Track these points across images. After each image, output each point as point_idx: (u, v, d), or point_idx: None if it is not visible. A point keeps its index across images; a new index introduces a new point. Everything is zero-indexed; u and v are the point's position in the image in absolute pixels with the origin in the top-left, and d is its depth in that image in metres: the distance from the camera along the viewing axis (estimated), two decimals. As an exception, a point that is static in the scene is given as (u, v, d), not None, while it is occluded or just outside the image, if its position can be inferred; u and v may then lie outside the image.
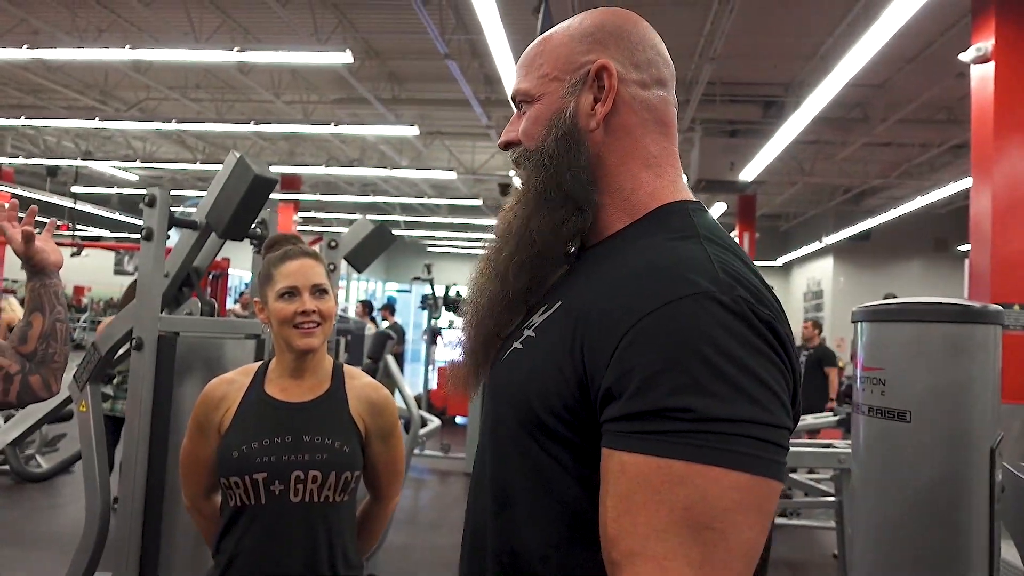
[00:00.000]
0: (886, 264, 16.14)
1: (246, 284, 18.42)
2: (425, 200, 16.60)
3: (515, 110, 0.90)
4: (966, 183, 9.56)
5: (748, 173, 10.04)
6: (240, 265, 15.51)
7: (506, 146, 0.90)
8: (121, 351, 2.35)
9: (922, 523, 1.48)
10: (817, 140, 10.51)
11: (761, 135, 9.44)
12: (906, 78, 8.36)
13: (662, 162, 0.84)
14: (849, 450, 2.87)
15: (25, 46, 7.44)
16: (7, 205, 1.51)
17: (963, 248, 14.41)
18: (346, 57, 6.85)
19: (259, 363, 1.59)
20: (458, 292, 8.69)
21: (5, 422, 5.38)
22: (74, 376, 2.39)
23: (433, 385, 9.02)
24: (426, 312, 8.67)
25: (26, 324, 1.48)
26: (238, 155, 2.15)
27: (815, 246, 16.38)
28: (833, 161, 11.83)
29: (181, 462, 1.58)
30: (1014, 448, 4.00)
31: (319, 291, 1.50)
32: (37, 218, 1.52)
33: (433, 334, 8.45)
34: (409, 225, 19.91)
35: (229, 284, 11.86)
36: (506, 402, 0.80)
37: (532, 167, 0.84)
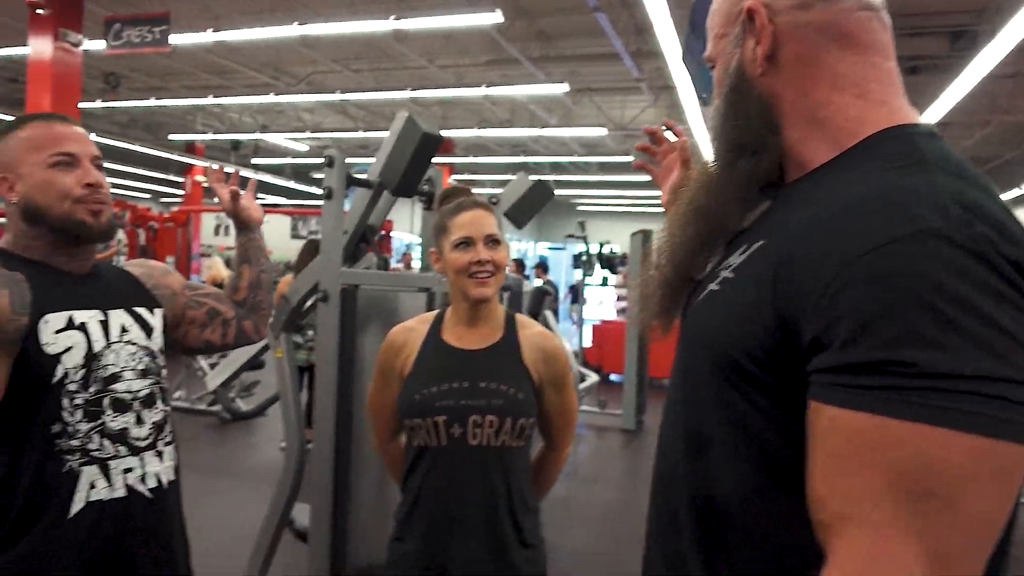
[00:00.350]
0: (1102, 212, 14.10)
1: (406, 245, 19.36)
2: (575, 158, 16.53)
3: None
4: None
5: (932, 114, 9.08)
6: (401, 227, 16.33)
7: None
8: (308, 303, 2.56)
9: None
10: (1017, 72, 9.27)
11: (946, 70, 8.46)
12: None
13: (860, 79, 0.75)
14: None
15: (210, 30, 8.14)
16: (202, 174, 1.69)
17: None
18: (496, 17, 6.90)
19: (436, 311, 1.66)
20: (612, 250, 8.63)
21: (211, 369, 6.08)
22: (270, 325, 2.64)
23: (587, 342, 9.09)
24: (579, 270, 8.69)
25: (237, 275, 1.65)
26: (406, 114, 2.24)
27: (1014, 193, 14.57)
28: (1037, 95, 10.40)
29: (368, 406, 1.69)
30: None
31: (492, 241, 1.54)
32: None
33: (578, 292, 8.50)
34: (559, 184, 19.96)
35: (391, 246, 12.52)
36: (701, 345, 0.79)
37: (715, 123, 0.86)
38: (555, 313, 7.16)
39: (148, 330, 1.39)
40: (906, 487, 0.57)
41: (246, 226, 1.67)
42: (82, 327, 1.27)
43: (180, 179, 18.77)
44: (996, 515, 0.58)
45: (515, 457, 1.52)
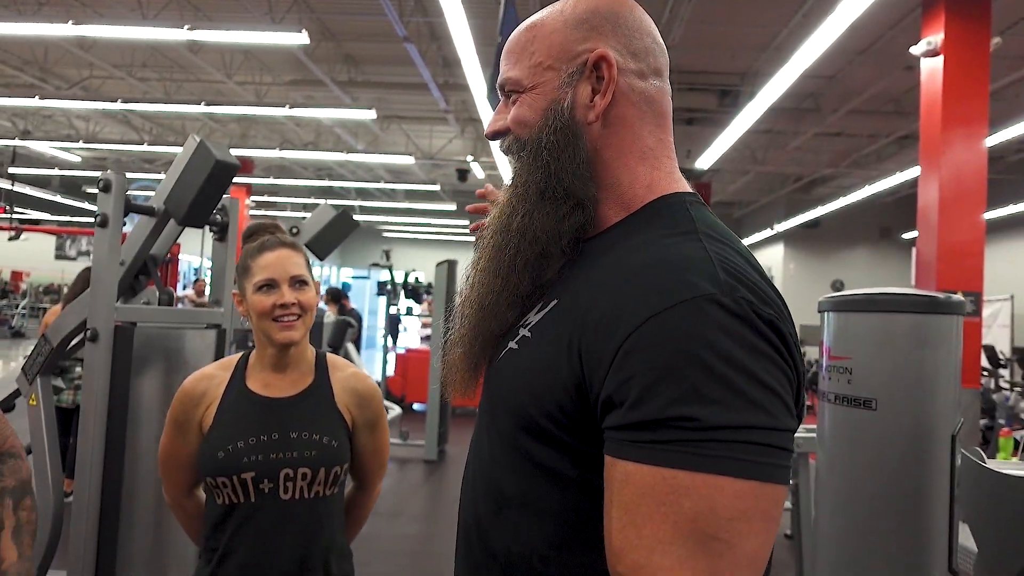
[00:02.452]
0: (834, 251, 16.62)
1: (195, 270, 17.93)
2: (382, 185, 16.39)
3: (501, 98, 0.86)
4: (911, 173, 9.87)
5: (704, 161, 10.20)
6: (190, 250, 15.11)
7: (494, 135, 0.86)
8: (74, 342, 2.26)
9: (885, 507, 1.52)
10: (770, 130, 10.72)
11: (717, 124, 9.58)
12: (857, 70, 8.56)
13: (658, 154, 0.81)
14: (806, 435, 2.95)
15: (-43, 19, 7.06)
16: None
17: (907, 236, 14.91)
18: (301, 38, 6.68)
19: (239, 356, 1.56)
20: (416, 279, 8.62)
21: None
22: (23, 368, 2.29)
23: (391, 372, 8.96)
24: (383, 298, 8.57)
25: None
26: (199, 139, 2.07)
27: (767, 233, 16.74)
28: (785, 150, 12.08)
29: (160, 460, 1.54)
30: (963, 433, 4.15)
31: (298, 282, 1.47)
32: None
33: (394, 322, 8.35)
34: (365, 210, 19.62)
35: (179, 269, 11.56)
36: (502, 404, 0.79)
37: (530, 160, 0.80)
38: (357, 344, 6.98)
39: None
40: (693, 533, 0.61)
41: None
42: None
43: (-88, 186, 15.91)
44: (765, 550, 0.64)
45: (329, 505, 1.48)
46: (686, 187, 0.82)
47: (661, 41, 0.85)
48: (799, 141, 11.34)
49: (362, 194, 18.38)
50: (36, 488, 2.23)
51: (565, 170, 0.78)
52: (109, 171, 2.12)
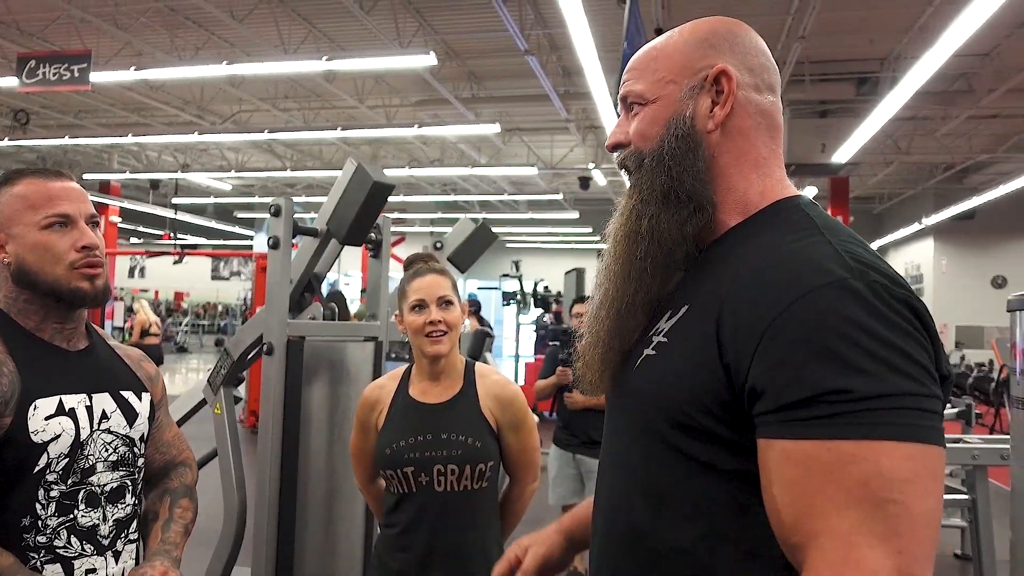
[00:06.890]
0: (993, 244, 15.18)
1: (331, 284, 18.91)
2: (504, 196, 16.69)
3: (618, 113, 0.92)
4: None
5: (841, 155, 9.63)
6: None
7: (614, 148, 0.91)
8: (251, 356, 2.46)
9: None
10: (915, 116, 9.97)
11: (854, 114, 9.01)
12: (1017, 44, 7.81)
13: (770, 163, 0.86)
14: (983, 446, 2.72)
15: (132, 68, 7.88)
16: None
17: (1082, 224, 13.39)
18: (430, 59, 6.95)
19: (405, 368, 1.78)
20: (546, 287, 8.69)
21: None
22: (208, 380, 2.52)
23: (521, 381, 9.08)
24: (508, 307, 8.69)
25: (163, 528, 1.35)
26: (356, 162, 2.21)
27: (913, 228, 15.55)
28: (933, 137, 11.19)
29: (351, 453, 1.82)
30: None
31: (445, 303, 1.68)
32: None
33: (484, 337, 8.33)
34: (489, 223, 20.03)
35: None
36: (650, 406, 0.81)
37: (653, 167, 0.85)
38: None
39: (132, 416, 1.30)
40: (866, 496, 0.64)
41: None
42: (71, 413, 1.20)
43: (93, 219, 17.88)
44: (938, 509, 0.66)
45: (479, 497, 1.66)
46: (795, 191, 0.87)
47: (773, 61, 0.89)
48: (949, 126, 10.48)
49: (486, 206, 18.79)
50: (222, 489, 2.45)
51: (687, 174, 0.83)
52: (280, 198, 2.30)
